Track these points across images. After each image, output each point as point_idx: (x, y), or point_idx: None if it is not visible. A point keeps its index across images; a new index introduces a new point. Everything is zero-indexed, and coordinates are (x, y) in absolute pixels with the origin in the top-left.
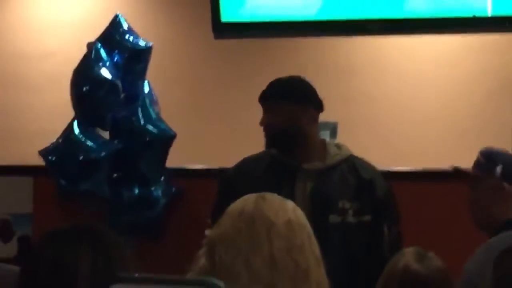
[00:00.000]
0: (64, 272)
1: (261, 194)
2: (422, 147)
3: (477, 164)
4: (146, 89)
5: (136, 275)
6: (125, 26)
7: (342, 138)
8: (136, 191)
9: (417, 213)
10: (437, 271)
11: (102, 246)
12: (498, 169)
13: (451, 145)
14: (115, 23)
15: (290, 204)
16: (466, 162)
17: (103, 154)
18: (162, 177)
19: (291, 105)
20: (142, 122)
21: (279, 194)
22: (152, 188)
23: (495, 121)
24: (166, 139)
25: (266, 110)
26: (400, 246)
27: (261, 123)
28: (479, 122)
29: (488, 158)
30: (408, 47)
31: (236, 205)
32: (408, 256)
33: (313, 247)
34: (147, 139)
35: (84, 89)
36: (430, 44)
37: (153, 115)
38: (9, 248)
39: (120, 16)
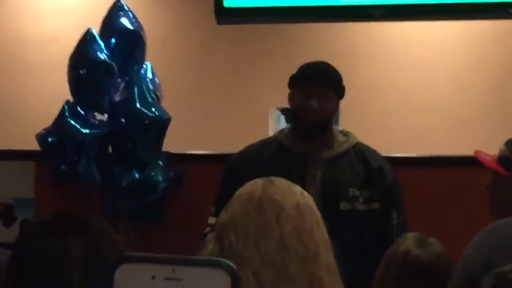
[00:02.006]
0: (56, 260)
1: (269, 178)
2: (424, 134)
3: (504, 159)
4: (147, 73)
5: (145, 254)
6: (124, 11)
7: (345, 125)
8: (136, 175)
9: (420, 199)
10: (437, 256)
11: (89, 233)
12: None
13: (455, 131)
14: (115, 7)
15: (297, 188)
16: (470, 148)
17: (90, 137)
18: (160, 162)
19: (336, 95)
20: (138, 105)
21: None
22: (152, 173)
23: (498, 107)
24: (160, 122)
25: (313, 94)
26: (406, 232)
27: (306, 106)
28: (482, 109)
29: None
30: (411, 33)
31: (245, 189)
32: (409, 241)
33: (321, 231)
34: (142, 122)
35: (80, 72)
36: (432, 30)
37: (149, 99)
38: (11, 233)
39: (120, 1)
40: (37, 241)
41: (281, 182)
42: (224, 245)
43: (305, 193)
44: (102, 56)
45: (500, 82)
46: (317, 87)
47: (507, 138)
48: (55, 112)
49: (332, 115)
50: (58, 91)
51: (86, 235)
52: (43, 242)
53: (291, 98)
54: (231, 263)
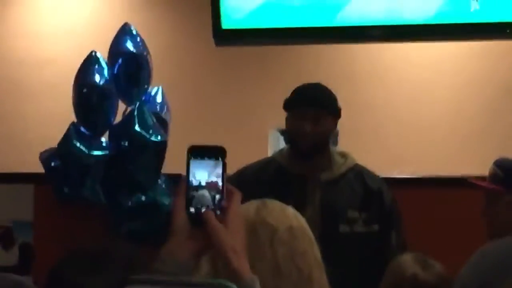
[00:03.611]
0: None
1: (262, 200)
2: (424, 154)
3: (495, 178)
4: (157, 96)
5: (151, 276)
6: (131, 34)
7: (343, 145)
8: (141, 197)
9: (419, 219)
10: (441, 278)
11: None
12: None
13: (454, 152)
14: (122, 30)
15: (291, 210)
16: (469, 168)
17: (94, 159)
18: (164, 185)
19: (331, 116)
20: (137, 127)
21: (287, 203)
22: (156, 196)
23: (497, 127)
24: (158, 145)
25: (306, 118)
26: (406, 252)
27: (300, 131)
28: (481, 129)
29: (507, 172)
30: (410, 53)
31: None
32: (411, 263)
33: (315, 253)
34: (140, 144)
35: (79, 95)
36: (431, 50)
37: (150, 121)
38: (10, 256)
39: (129, 24)
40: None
41: (274, 205)
42: (218, 267)
43: (299, 215)
44: (102, 79)
45: (499, 102)
46: (311, 110)
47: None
48: (54, 135)
49: (328, 136)
50: (57, 113)
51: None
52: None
53: (286, 121)
54: (231, 285)
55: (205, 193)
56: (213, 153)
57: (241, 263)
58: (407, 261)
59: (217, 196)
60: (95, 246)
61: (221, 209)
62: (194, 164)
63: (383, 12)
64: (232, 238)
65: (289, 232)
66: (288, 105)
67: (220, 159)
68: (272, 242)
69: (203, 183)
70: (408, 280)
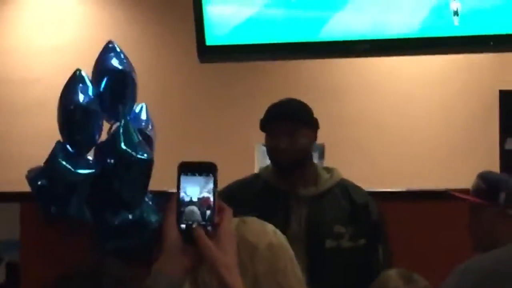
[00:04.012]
0: None
1: (242, 218)
2: (409, 167)
3: (478, 191)
4: (141, 113)
5: None
6: (115, 52)
7: (329, 159)
8: (128, 215)
9: (405, 233)
10: None
11: None
12: (502, 196)
13: (439, 164)
14: (106, 48)
15: (270, 227)
16: (456, 182)
17: (80, 177)
18: (151, 202)
19: (306, 129)
20: (122, 145)
21: (272, 220)
22: (144, 213)
23: (482, 140)
24: (144, 163)
25: (280, 133)
26: (391, 266)
27: (276, 147)
28: (466, 141)
29: (490, 184)
30: (395, 67)
31: None
32: (395, 278)
33: (295, 269)
34: (126, 162)
35: (64, 114)
36: (416, 64)
37: (135, 139)
38: None
39: (113, 42)
40: None
41: (254, 222)
42: (198, 285)
43: (278, 232)
44: (86, 98)
45: (484, 115)
46: (284, 125)
47: (492, 170)
48: (40, 153)
49: (308, 149)
50: (44, 131)
51: None
52: None
53: (265, 140)
54: None
55: (195, 209)
56: (204, 169)
57: (234, 279)
58: (391, 276)
59: (208, 212)
60: (86, 266)
61: (212, 225)
62: (185, 180)
63: (367, 26)
64: (224, 254)
65: (269, 249)
66: (263, 124)
67: (211, 175)
68: (253, 259)
69: (195, 199)
70: None
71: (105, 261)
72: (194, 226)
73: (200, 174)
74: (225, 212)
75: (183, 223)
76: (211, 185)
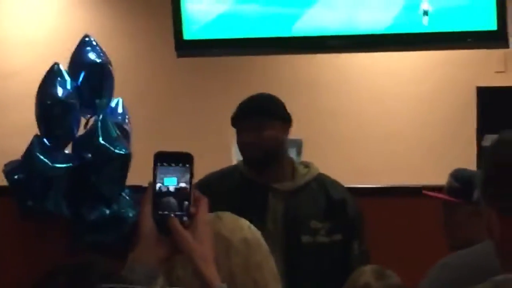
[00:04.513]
0: None
1: (217, 213)
2: (387, 163)
3: (451, 189)
4: (118, 107)
5: (124, 286)
6: (92, 46)
7: (307, 155)
8: (105, 210)
9: (382, 229)
10: None
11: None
12: (476, 194)
13: (417, 161)
14: (83, 42)
15: (245, 222)
16: (432, 177)
17: (58, 172)
18: (128, 197)
19: (275, 123)
20: (101, 140)
21: (248, 214)
22: (121, 208)
23: (460, 136)
24: (122, 157)
25: (247, 129)
26: (368, 262)
27: (244, 142)
28: (444, 138)
29: (463, 183)
30: (373, 63)
31: None
32: (367, 274)
33: (270, 265)
34: (104, 157)
35: (42, 109)
36: (394, 59)
37: (114, 134)
38: None
39: (89, 36)
40: None
41: (228, 217)
42: (173, 280)
43: (253, 227)
44: (63, 92)
45: (462, 110)
46: (250, 121)
47: (469, 166)
48: (18, 147)
49: (276, 144)
50: (21, 125)
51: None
52: None
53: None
54: None
55: (171, 199)
56: (181, 159)
57: (211, 271)
58: (364, 271)
59: (185, 203)
60: (70, 265)
61: (188, 215)
62: (161, 170)
63: (339, 22)
64: (200, 244)
65: (244, 244)
66: (233, 121)
67: (187, 165)
68: (228, 254)
69: (171, 189)
70: None
71: (90, 256)
72: (170, 216)
73: (176, 164)
74: (201, 202)
75: (159, 214)
76: (187, 176)
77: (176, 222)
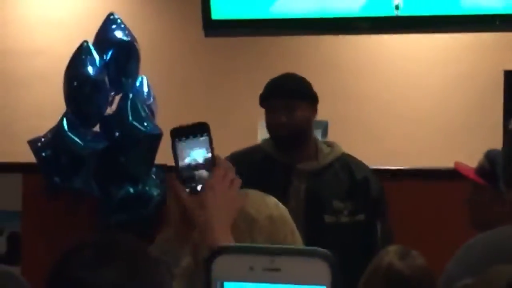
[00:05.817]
0: None
1: (244, 190)
2: (413, 145)
3: (483, 170)
4: (143, 86)
5: (243, 244)
6: (117, 24)
7: (332, 136)
8: (130, 189)
9: (408, 211)
10: (420, 270)
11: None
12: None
13: (442, 144)
14: (108, 20)
15: (272, 199)
16: (458, 160)
17: (89, 151)
18: (154, 176)
19: (305, 103)
20: (130, 119)
21: (271, 194)
22: (146, 187)
23: (486, 120)
24: (153, 137)
25: (278, 109)
26: (393, 241)
27: (274, 122)
28: (470, 121)
29: (494, 166)
30: (400, 45)
31: None
32: (391, 254)
33: (296, 241)
34: (134, 136)
35: (71, 87)
36: (421, 43)
37: (143, 113)
38: None
39: (114, 14)
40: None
41: (255, 195)
42: (199, 260)
43: (280, 204)
44: (93, 70)
45: (486, 95)
46: (281, 101)
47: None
48: (43, 125)
49: (307, 124)
50: (47, 103)
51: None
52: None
53: (264, 116)
54: (328, 252)
55: (199, 172)
56: (197, 130)
57: (215, 239)
58: (388, 252)
59: (207, 173)
60: (97, 239)
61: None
62: (180, 145)
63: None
64: (201, 210)
65: (269, 221)
66: (261, 100)
67: (205, 134)
68: (252, 230)
69: (193, 161)
70: (383, 268)
71: (116, 233)
72: (198, 188)
73: (194, 136)
74: (216, 170)
75: (188, 187)
76: (207, 144)
77: (178, 189)
